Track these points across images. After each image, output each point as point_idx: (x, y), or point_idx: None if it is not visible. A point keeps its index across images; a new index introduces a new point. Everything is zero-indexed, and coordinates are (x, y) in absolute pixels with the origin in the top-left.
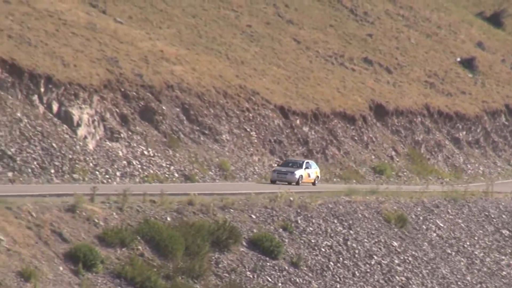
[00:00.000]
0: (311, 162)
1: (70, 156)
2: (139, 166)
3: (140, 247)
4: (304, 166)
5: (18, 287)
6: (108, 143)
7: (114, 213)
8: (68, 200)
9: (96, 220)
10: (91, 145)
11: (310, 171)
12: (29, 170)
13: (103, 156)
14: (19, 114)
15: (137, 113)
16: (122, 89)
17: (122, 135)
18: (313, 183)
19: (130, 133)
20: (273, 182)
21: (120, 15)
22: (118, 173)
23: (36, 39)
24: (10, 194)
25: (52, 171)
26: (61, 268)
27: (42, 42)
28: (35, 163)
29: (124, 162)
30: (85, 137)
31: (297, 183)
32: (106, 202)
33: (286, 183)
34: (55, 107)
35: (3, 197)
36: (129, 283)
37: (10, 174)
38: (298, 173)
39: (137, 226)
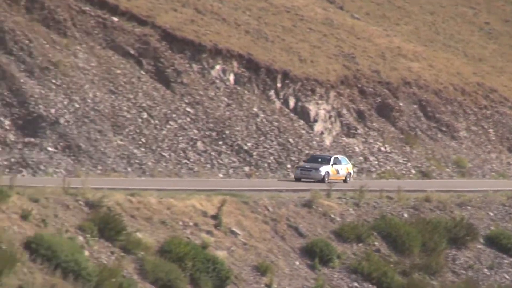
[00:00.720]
0: (342, 157)
1: (307, 152)
2: (376, 162)
3: (376, 243)
4: (331, 162)
5: (255, 281)
6: (344, 138)
7: (351, 209)
8: (304, 196)
9: (333, 216)
10: (327, 141)
11: (339, 167)
12: (265, 165)
13: (339, 152)
14: (255, 109)
15: (373, 109)
16: (359, 85)
17: (358, 131)
18: (344, 181)
19: (367, 129)
20: (297, 179)
21: (357, 11)
22: (354, 169)
23: (272, 34)
24: (246, 188)
25: (289, 166)
26: (297, 263)
27: (279, 37)
28: (271, 158)
29: (361, 158)
30: (322, 133)
31: (323, 181)
32: (342, 198)
33: (313, 181)
34: (291, 102)
35: (240, 192)
36: (365, 278)
37: (246, 168)
38: (323, 169)
39: (374, 222)
